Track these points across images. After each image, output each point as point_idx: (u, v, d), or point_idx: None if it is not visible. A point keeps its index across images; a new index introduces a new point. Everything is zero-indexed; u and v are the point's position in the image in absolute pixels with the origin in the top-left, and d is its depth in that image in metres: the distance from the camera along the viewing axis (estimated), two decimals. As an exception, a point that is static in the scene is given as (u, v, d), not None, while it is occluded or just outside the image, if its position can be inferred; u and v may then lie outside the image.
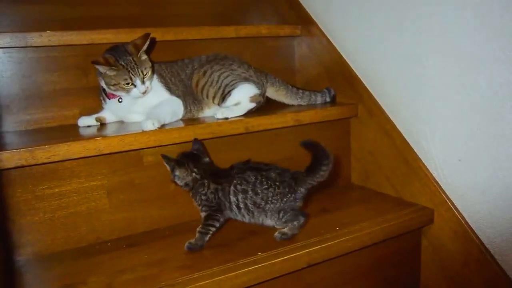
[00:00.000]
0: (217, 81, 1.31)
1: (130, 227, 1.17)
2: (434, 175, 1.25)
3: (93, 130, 1.22)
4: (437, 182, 1.24)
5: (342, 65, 1.48)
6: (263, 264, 0.98)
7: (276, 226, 1.08)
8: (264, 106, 1.39)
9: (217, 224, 1.08)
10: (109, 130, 1.22)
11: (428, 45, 1.21)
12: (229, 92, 1.30)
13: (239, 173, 1.07)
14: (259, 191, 1.05)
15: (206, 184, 1.09)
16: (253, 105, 1.32)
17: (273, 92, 1.44)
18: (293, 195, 1.06)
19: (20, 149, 0.98)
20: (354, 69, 1.46)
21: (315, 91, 1.48)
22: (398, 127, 1.34)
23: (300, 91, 1.46)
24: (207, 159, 1.14)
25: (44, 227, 1.08)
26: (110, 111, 1.29)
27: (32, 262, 1.06)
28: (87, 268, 1.01)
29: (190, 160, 1.10)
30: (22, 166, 1.00)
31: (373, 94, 1.40)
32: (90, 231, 1.13)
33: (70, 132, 1.20)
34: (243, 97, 1.31)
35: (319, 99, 1.47)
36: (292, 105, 1.46)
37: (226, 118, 1.25)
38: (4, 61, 1.24)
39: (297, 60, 1.67)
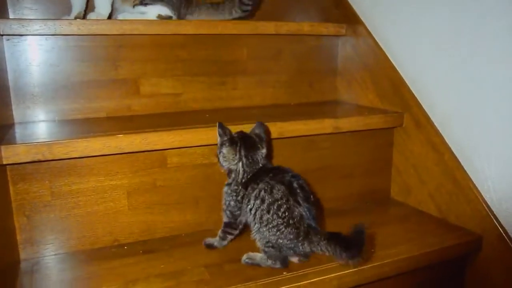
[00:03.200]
0: None
1: (149, 231, 1.10)
2: (485, 198, 1.12)
3: (115, 126, 1.15)
4: (488, 206, 1.10)
5: (389, 69, 1.36)
6: (287, 286, 0.89)
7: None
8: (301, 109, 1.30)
9: (236, 232, 1.02)
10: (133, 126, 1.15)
11: (490, 52, 1.08)
12: None
13: (273, 179, 0.93)
14: (270, 211, 0.91)
15: (239, 191, 0.98)
16: None
17: None
18: (294, 244, 0.92)
19: (37, 142, 0.93)
20: (401, 74, 1.33)
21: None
22: (447, 141, 1.21)
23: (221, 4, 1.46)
24: (263, 151, 0.99)
25: (60, 225, 1.03)
26: None
27: (45, 261, 1.01)
28: (100, 273, 0.95)
29: (245, 146, 0.98)
30: (39, 161, 0.94)
31: (422, 103, 1.28)
32: (106, 233, 1.07)
33: (95, 127, 1.14)
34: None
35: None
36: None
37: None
38: (33, 48, 1.19)
39: (339, 61, 1.56)
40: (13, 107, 1.19)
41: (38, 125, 1.16)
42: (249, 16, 1.52)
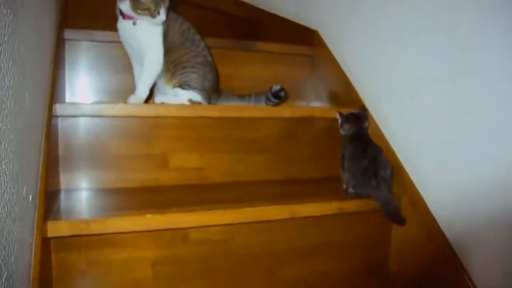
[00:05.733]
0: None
1: (171, 300, 1.24)
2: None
3: (145, 200, 1.31)
4: None
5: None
6: None
7: None
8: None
9: None
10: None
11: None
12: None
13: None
14: None
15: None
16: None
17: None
18: None
19: (77, 220, 1.08)
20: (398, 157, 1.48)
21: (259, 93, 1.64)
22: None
23: (247, 96, 1.65)
24: (366, 124, 1.48)
25: (93, 290, 1.18)
26: None
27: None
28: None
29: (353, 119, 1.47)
30: (78, 236, 1.11)
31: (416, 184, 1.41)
32: (134, 300, 1.21)
33: (128, 199, 1.31)
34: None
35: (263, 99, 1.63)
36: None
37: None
38: (82, 126, 1.38)
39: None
40: (61, 175, 1.37)
41: (80, 194, 1.33)
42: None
